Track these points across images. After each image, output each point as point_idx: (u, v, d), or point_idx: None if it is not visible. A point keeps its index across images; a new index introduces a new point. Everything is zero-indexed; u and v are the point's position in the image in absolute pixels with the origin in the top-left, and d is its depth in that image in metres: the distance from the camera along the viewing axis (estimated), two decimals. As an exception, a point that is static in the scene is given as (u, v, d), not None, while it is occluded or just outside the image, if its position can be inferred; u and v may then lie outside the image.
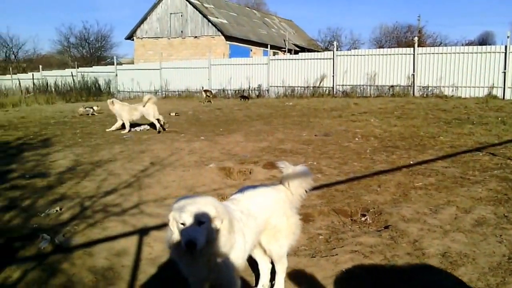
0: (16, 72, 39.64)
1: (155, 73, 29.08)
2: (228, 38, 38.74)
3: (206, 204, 2.88)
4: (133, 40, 43.14)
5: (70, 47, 62.21)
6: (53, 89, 30.70)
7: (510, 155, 8.14)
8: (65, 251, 4.62)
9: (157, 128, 12.62)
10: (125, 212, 5.78)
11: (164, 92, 28.54)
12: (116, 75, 30.99)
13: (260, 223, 3.42)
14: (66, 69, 36.72)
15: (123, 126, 13.24)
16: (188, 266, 2.98)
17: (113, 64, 32.61)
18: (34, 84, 32.48)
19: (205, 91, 23.56)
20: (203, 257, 2.89)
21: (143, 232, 5.05)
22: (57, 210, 5.84)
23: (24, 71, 41.47)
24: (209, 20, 38.77)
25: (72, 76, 31.76)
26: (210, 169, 7.85)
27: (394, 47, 37.03)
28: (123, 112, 13.28)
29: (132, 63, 41.94)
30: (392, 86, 21.37)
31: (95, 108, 19.01)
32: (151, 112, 13.06)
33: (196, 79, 27.08)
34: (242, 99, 22.28)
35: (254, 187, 3.77)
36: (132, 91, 29.96)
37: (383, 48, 38.64)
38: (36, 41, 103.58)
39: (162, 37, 41.12)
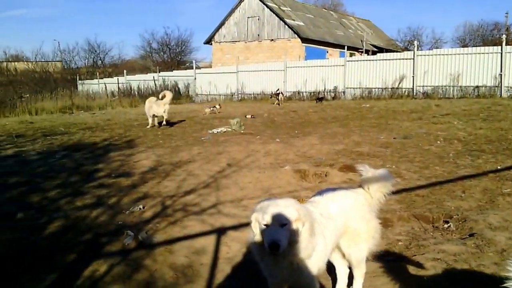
0: (103, 76, 41.81)
1: (231, 76, 29.62)
2: (304, 40, 38.68)
3: (288, 206, 2.89)
4: (211, 44, 44.25)
5: (152, 52, 64.85)
6: (136, 93, 32.14)
7: None
8: (147, 247, 4.82)
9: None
10: (204, 212, 5.93)
11: (240, 95, 29.01)
12: (195, 78, 31.90)
13: (340, 226, 3.39)
14: (148, 74, 38.44)
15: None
16: (270, 267, 3.01)
17: (192, 68, 33.59)
18: (119, 88, 34.18)
19: (276, 94, 23.67)
20: (285, 259, 2.91)
21: (221, 231, 5.15)
22: (140, 208, 6.10)
23: (110, 75, 43.64)
24: (285, 23, 38.93)
25: (153, 80, 33.10)
26: (285, 171, 7.86)
27: (479, 45, 35.28)
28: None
29: (210, 66, 43.05)
30: (477, 86, 20.32)
31: (217, 107, 20.45)
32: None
33: (272, 82, 27.24)
34: (318, 101, 22.12)
35: (333, 189, 3.73)
36: (209, 94, 30.71)
37: (467, 47, 36.92)
38: (121, 47, 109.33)
39: (239, 41, 41.84)
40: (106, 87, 34.21)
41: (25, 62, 51.08)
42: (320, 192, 3.65)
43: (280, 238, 2.75)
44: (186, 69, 38.66)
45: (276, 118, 16.49)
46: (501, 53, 19.69)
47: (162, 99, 14.83)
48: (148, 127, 15.07)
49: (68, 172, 8.53)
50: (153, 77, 33.97)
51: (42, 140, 12.83)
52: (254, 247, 3.02)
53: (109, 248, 4.86)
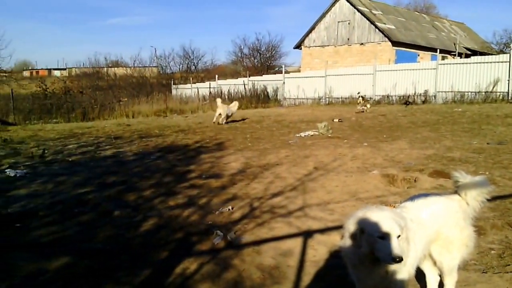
0: (195, 81, 43.34)
1: (319, 81, 29.58)
2: (395, 43, 37.68)
3: (396, 217, 2.94)
4: (300, 49, 44.39)
5: (243, 58, 66.35)
6: (226, 97, 33.02)
7: None
8: (236, 247, 5.00)
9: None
10: (291, 214, 6.05)
11: (327, 99, 28.88)
12: (284, 83, 32.19)
13: (431, 233, 3.35)
14: (239, 78, 39.36)
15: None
16: (364, 275, 3.05)
17: (281, 73, 33.96)
18: (210, 92, 35.30)
19: (361, 98, 23.31)
20: (382, 268, 2.96)
21: (307, 234, 5.23)
22: (229, 209, 6.35)
23: (202, 80, 45.18)
24: (376, 26, 38.16)
25: (243, 84, 33.82)
26: (373, 175, 7.80)
27: None
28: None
29: (299, 71, 43.20)
30: None
31: (368, 106, 21.38)
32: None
33: (360, 86, 26.85)
34: (407, 105, 21.52)
35: (425, 195, 3.69)
36: (297, 98, 30.86)
37: None
38: (214, 52, 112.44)
39: (328, 45, 41.60)
40: (198, 91, 35.52)
41: (124, 68, 54.32)
42: (412, 198, 3.63)
43: (401, 251, 2.80)
44: (275, 74, 39.12)
45: (364, 122, 16.28)
46: None
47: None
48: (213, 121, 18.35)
49: (162, 172, 9.02)
50: (243, 81, 34.71)
51: (138, 142, 13.63)
52: (351, 255, 3.04)
53: (200, 247, 5.09)
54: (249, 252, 4.87)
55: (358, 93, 23.95)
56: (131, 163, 10.22)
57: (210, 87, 36.19)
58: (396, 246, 2.78)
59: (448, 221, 3.41)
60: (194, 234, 5.50)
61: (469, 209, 3.51)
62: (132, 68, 52.57)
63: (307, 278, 4.29)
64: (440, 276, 3.66)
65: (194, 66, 64.34)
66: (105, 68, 54.22)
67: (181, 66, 64.02)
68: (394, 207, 3.74)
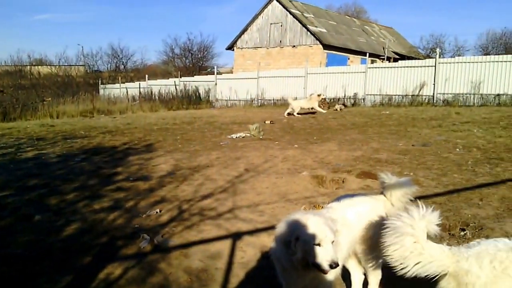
0: (124, 81, 42.36)
1: (252, 82, 29.75)
2: (326, 46, 38.65)
3: (329, 222, 2.94)
4: (233, 50, 44.53)
5: (174, 58, 65.54)
6: (156, 98, 32.47)
7: None
8: (163, 251, 4.89)
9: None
10: (220, 216, 5.99)
11: (260, 101, 29.09)
12: (216, 84, 32.11)
13: (355, 233, 3.41)
14: (170, 79, 38.85)
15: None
16: (294, 279, 3.04)
17: (213, 74, 33.83)
18: (140, 92, 34.57)
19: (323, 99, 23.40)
20: (314, 272, 2.94)
21: (236, 236, 5.20)
22: (157, 212, 6.19)
23: (132, 80, 44.25)
24: (308, 29, 38.96)
25: (175, 85, 33.42)
26: (303, 176, 7.88)
27: (501, 54, 34.78)
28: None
29: (231, 72, 43.32)
30: (498, 94, 20.05)
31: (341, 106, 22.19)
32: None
33: (292, 88, 27.29)
34: (344, 106, 22.19)
35: (351, 196, 3.75)
36: (229, 99, 30.88)
37: (489, 55, 36.45)
38: (144, 52, 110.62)
39: (261, 47, 42.01)
40: (127, 92, 34.67)
41: (49, 66, 52.04)
42: (338, 198, 3.69)
43: (336, 257, 2.81)
44: (207, 75, 38.95)
45: (295, 124, 16.50)
46: (524, 61, 19.42)
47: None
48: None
49: (86, 175, 8.68)
50: (174, 82, 34.30)
51: (62, 143, 13.04)
52: (283, 260, 3.00)
53: (125, 251, 4.93)
54: (177, 255, 4.77)
55: (319, 94, 24.15)
56: (54, 165, 9.75)
57: (140, 87, 35.43)
58: (332, 253, 2.80)
59: (373, 221, 3.47)
60: (120, 238, 5.33)
61: (394, 210, 3.58)
62: (57, 66, 50.42)
63: (235, 280, 4.25)
64: (364, 274, 3.73)
65: (123, 66, 62.87)
66: (28, 67, 51.66)
67: (109, 65, 62.39)
68: (322, 207, 3.75)
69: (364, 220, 3.45)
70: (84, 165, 9.67)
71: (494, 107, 18.89)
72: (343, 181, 7.57)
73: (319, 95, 20.38)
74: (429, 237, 2.81)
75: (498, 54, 31.03)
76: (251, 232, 5.26)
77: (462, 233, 5.07)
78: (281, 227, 3.01)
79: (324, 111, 19.52)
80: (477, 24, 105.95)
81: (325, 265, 2.77)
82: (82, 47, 72.40)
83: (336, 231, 2.96)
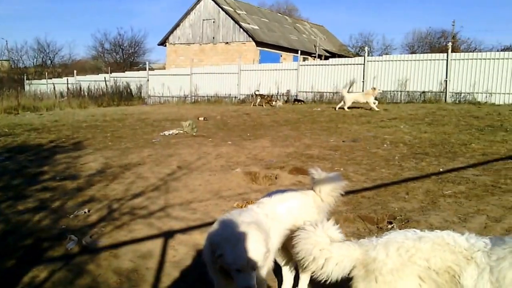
0: (52, 77, 40.67)
1: (185, 79, 29.41)
2: (259, 44, 38.91)
3: (258, 244, 2.84)
4: (165, 46, 43.81)
5: (104, 53, 63.55)
6: (86, 94, 31.37)
7: (544, 164, 7.89)
8: (91, 252, 4.70)
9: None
10: (152, 215, 5.85)
11: (193, 97, 28.83)
12: (148, 80, 31.47)
13: (287, 227, 3.42)
14: (100, 74, 37.65)
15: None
16: (223, 279, 2.97)
17: (145, 70, 33.14)
18: (68, 88, 33.27)
19: (259, 95, 23.34)
20: None
21: (168, 235, 5.09)
22: (85, 212, 5.96)
23: (59, 76, 42.52)
24: (240, 26, 39.05)
25: (105, 81, 32.45)
26: (236, 173, 7.87)
27: (427, 52, 36.48)
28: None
29: (164, 68, 42.63)
30: (423, 92, 21.03)
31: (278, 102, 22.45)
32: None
33: (226, 85, 27.30)
34: (297, 102, 22.44)
35: (282, 191, 3.76)
36: (162, 96, 30.38)
37: (415, 53, 38.13)
38: (72, 46, 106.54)
39: (194, 43, 41.63)
40: (54, 88, 33.25)
41: (-30, 61, 49.06)
42: (269, 194, 3.68)
43: (254, 283, 2.75)
44: (139, 71, 38.11)
45: (229, 120, 16.50)
46: (447, 60, 20.49)
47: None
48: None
49: (10, 174, 8.23)
50: (105, 78, 33.31)
51: (-17, 142, 12.31)
52: (209, 264, 2.96)
53: (51, 253, 4.71)
54: (106, 256, 4.61)
55: (257, 90, 24.08)
56: (-26, 164, 9.18)
57: (68, 83, 34.06)
58: (249, 280, 2.74)
59: (303, 216, 3.50)
60: (46, 239, 5.08)
61: (324, 204, 3.63)
62: (-21, 61, 47.64)
63: (167, 279, 4.15)
64: (296, 269, 3.75)
65: (50, 61, 60.14)
66: None
67: (35, 60, 59.47)
68: (253, 203, 3.74)
69: (294, 215, 3.48)
70: (8, 164, 9.18)
71: (419, 104, 19.79)
72: (276, 177, 7.63)
73: (374, 89, 18.91)
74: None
75: (424, 53, 32.52)
76: (183, 230, 5.17)
77: (389, 226, 5.23)
78: (212, 232, 2.94)
79: (377, 109, 17.73)
80: (404, 23, 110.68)
81: (238, 286, 2.74)
82: (6, 41, 68.63)
83: (262, 256, 2.87)
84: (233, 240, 2.80)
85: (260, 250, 2.83)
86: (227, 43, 39.90)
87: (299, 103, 22.67)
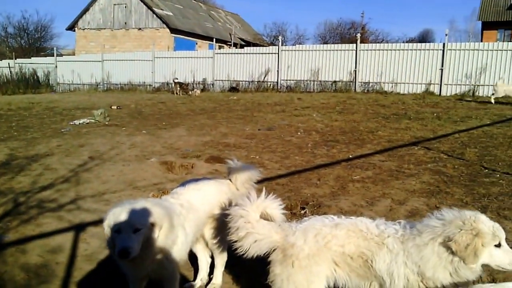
0: None
1: (96, 65, 28.27)
2: (173, 30, 38.24)
3: (143, 210, 2.88)
4: (74, 31, 41.76)
5: (8, 38, 59.38)
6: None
7: (443, 149, 8.51)
8: (-4, 248, 4.45)
9: None
10: (62, 208, 5.63)
11: (105, 85, 27.81)
12: (56, 66, 29.89)
13: (202, 216, 3.43)
14: (3, 60, 35.11)
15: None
16: (130, 269, 2.99)
17: (53, 56, 31.41)
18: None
19: (178, 83, 22.93)
20: (144, 261, 2.90)
21: (79, 228, 4.94)
22: (-12, 207, 5.61)
23: (-43, 61, 39.19)
24: (153, 12, 38.10)
25: (9, 67, 30.40)
26: (151, 163, 7.75)
27: (338, 43, 37.72)
28: None
29: (73, 54, 40.59)
30: (335, 81, 21.78)
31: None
32: None
33: (140, 72, 26.58)
34: (233, 91, 22.35)
35: (196, 180, 3.77)
36: (72, 83, 29.00)
37: (327, 44, 39.31)
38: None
39: (105, 29, 40.03)
40: (-49, 74, 30.66)
41: None
42: (184, 183, 3.68)
43: (130, 245, 2.72)
44: (46, 56, 36.07)
45: (144, 109, 16.14)
46: (356, 51, 21.33)
47: None
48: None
49: None
50: (9, 64, 31.20)
51: None
52: (111, 251, 2.95)
53: (-50, 252, 4.40)
54: (12, 252, 4.41)
55: (176, 78, 23.44)
56: None
57: (-33, 70, 31.55)
58: (124, 241, 2.74)
59: (218, 204, 3.54)
60: None
61: (238, 194, 3.68)
62: None
63: (78, 274, 4.03)
64: (212, 257, 3.79)
65: None
66: None
67: None
68: (168, 193, 3.72)
69: (209, 203, 3.50)
70: None
71: (331, 93, 20.50)
72: (192, 166, 7.60)
73: None
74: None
75: (335, 43, 33.60)
76: (95, 223, 5.01)
77: (302, 211, 5.41)
78: (105, 220, 2.92)
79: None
80: (316, 14, 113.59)
81: (115, 252, 2.76)
82: None
83: (148, 221, 2.89)
84: (119, 209, 2.87)
85: (145, 214, 2.86)
86: (140, 29, 38.81)
87: (235, 91, 22.51)
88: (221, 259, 3.73)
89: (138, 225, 2.79)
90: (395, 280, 2.58)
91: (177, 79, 23.48)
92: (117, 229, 2.77)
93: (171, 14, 40.28)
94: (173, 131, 10.92)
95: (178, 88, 22.56)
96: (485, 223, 2.51)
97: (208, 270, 3.88)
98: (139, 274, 3.03)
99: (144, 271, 3.01)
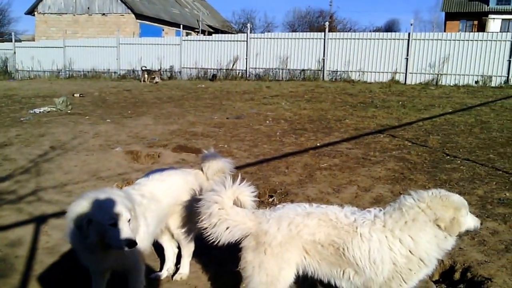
0: None
1: (58, 52, 27.40)
2: (139, 16, 37.45)
3: (123, 200, 2.85)
4: (34, 15, 40.38)
5: (-40, 22, 57.16)
6: None
7: (408, 137, 8.64)
8: (-51, 243, 4.25)
9: None
10: (21, 200, 5.44)
11: (68, 72, 27.01)
12: (15, 52, 28.82)
13: (165, 207, 3.36)
14: (-43, 46, 33.73)
15: None
16: (96, 261, 2.91)
17: (11, 41, 30.29)
18: None
19: (147, 71, 22.51)
20: (106, 252, 2.83)
21: (40, 220, 4.78)
22: None
23: None
24: (118, -3, 37.19)
25: (-37, 53, 29.22)
26: (116, 153, 7.56)
27: (306, 31, 37.78)
28: None
29: (33, 40, 39.28)
30: (303, 70, 21.78)
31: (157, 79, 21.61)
32: None
33: (104, 59, 25.90)
34: (211, 80, 22.00)
35: (161, 170, 3.68)
36: (32, 70, 28.02)
37: (296, 32, 39.31)
38: None
39: (66, 13, 38.80)
40: None
41: None
42: (148, 174, 3.59)
43: (134, 236, 2.76)
44: (4, 42, 34.81)
45: (108, 97, 15.77)
46: (324, 39, 21.34)
47: None
48: None
49: None
50: (-37, 49, 29.98)
51: None
52: (78, 244, 2.87)
53: None
54: (-33, 247, 4.20)
55: (145, 66, 22.96)
56: None
57: None
58: (128, 231, 2.72)
59: (183, 194, 3.46)
60: None
61: (208, 183, 3.61)
62: None
63: (39, 267, 3.89)
64: (178, 248, 3.71)
65: None
66: None
67: None
68: (132, 183, 3.60)
69: (174, 194, 3.41)
70: None
71: (299, 82, 20.51)
72: (158, 156, 7.46)
73: None
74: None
75: (304, 32, 33.63)
76: (57, 215, 4.85)
77: (270, 199, 5.37)
78: (72, 211, 2.79)
79: None
80: (285, 2, 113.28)
81: (121, 244, 2.69)
82: None
83: (133, 208, 2.90)
84: (98, 202, 2.78)
85: (126, 207, 2.81)
86: (104, 14, 37.82)
87: (213, 80, 22.15)
88: (188, 249, 3.67)
89: (129, 215, 2.78)
90: (380, 266, 2.66)
91: (145, 67, 23.07)
92: (114, 222, 2.71)
93: (136, -1, 39.46)
94: (139, 120, 10.70)
95: (146, 76, 22.13)
96: (456, 197, 2.81)
97: (175, 260, 3.81)
98: (102, 266, 2.96)
99: (108, 263, 2.93)
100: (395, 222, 2.72)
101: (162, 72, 23.60)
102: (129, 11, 36.88)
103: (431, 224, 2.69)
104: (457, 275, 3.78)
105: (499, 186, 5.81)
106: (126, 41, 26.39)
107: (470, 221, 2.81)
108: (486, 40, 19.17)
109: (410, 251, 2.66)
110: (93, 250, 2.78)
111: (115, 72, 25.49)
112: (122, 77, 24.85)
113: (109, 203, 2.76)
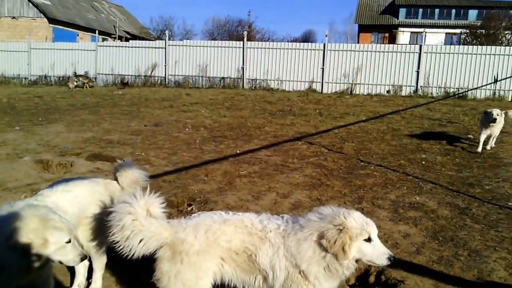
0: None
1: (-38, 56, 25.63)
2: (52, 21, 35.90)
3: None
4: None
5: None
6: None
7: (324, 144, 8.90)
8: None
9: None
10: None
11: (-27, 77, 25.31)
12: None
13: (70, 219, 3.17)
14: None
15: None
16: (2, 277, 2.67)
17: None
18: None
19: (79, 76, 21.55)
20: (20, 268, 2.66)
21: None
22: None
23: None
24: (30, 1, 35.43)
25: None
26: (24, 162, 7.12)
27: (226, 40, 38.00)
28: None
29: None
30: (223, 78, 21.87)
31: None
32: None
33: (14, 64, 24.55)
34: (123, 85, 21.15)
35: (67, 180, 3.49)
36: None
37: (215, 40, 39.41)
38: None
39: (-28, 16, 36.45)
40: None
41: None
42: (53, 185, 3.40)
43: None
44: None
45: (18, 104, 14.90)
46: (243, 48, 21.60)
47: None
48: None
49: None
50: None
51: None
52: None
53: None
54: None
55: (75, 73, 21.80)
56: None
57: None
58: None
59: (91, 205, 3.32)
60: None
61: (122, 193, 3.49)
62: None
63: None
64: (89, 260, 3.55)
65: None
66: None
67: None
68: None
69: (80, 205, 3.26)
70: None
71: (219, 89, 20.56)
72: (71, 165, 7.12)
73: None
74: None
75: (223, 40, 33.78)
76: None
77: (189, 208, 5.29)
78: None
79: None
80: (204, 10, 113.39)
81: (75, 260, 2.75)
82: None
83: None
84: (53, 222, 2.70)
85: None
86: (14, 18, 35.86)
87: (125, 86, 21.44)
88: (100, 262, 3.51)
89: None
90: (277, 272, 2.64)
91: (75, 73, 22.30)
92: (69, 239, 2.68)
93: (49, 3, 37.76)
94: (51, 127, 10.19)
95: (75, 83, 21.13)
96: (356, 219, 2.59)
97: (86, 274, 3.62)
98: (11, 284, 2.73)
99: (17, 280, 2.72)
100: (292, 231, 2.68)
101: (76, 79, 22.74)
102: (42, 15, 35.31)
103: (313, 239, 2.59)
104: (372, 278, 3.91)
105: (409, 190, 6.14)
106: (38, 46, 25.17)
107: (368, 250, 2.57)
108: (397, 52, 20.34)
109: (296, 262, 2.61)
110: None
111: (26, 78, 24.25)
112: (34, 83, 23.67)
113: (51, 222, 2.69)
